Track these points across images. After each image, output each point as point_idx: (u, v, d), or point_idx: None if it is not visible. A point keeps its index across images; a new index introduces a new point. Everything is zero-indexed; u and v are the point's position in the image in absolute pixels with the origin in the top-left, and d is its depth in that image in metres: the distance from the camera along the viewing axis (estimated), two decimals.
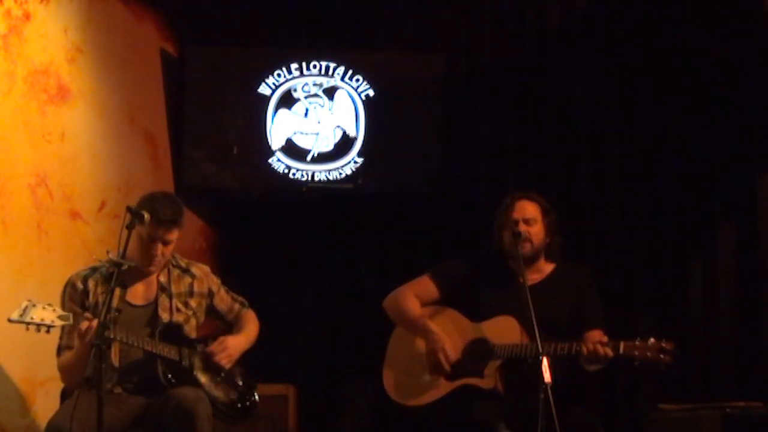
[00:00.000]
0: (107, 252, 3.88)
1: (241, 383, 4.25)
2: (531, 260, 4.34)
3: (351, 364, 5.75)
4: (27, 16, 4.63)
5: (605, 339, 4.09)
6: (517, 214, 4.35)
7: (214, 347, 4.15)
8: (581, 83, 5.70)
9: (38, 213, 4.62)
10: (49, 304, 3.74)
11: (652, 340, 4.02)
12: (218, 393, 4.13)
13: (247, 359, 4.31)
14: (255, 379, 4.32)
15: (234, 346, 4.21)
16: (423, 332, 4.38)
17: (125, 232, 3.75)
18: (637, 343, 4.03)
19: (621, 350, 4.04)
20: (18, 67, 4.57)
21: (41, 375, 4.48)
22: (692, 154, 5.49)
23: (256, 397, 4.28)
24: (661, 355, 4.01)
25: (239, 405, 4.22)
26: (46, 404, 4.38)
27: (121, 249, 3.75)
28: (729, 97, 5.43)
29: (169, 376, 4.00)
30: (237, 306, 4.39)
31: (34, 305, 3.69)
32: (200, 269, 4.29)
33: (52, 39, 4.79)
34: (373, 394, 4.53)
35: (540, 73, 5.78)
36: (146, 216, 3.81)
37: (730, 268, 5.36)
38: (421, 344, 4.40)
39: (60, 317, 3.73)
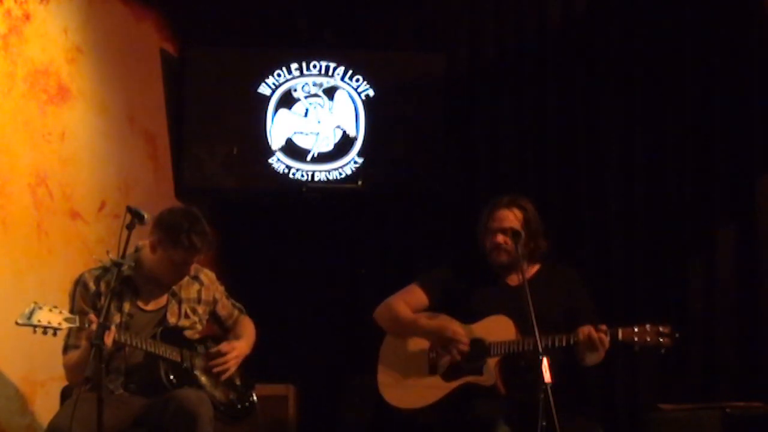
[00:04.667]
0: (107, 252, 3.87)
1: (239, 384, 4.26)
2: (509, 267, 4.33)
3: (351, 364, 5.74)
4: (27, 16, 4.63)
5: (603, 328, 4.10)
6: (495, 224, 4.33)
7: (215, 360, 4.16)
8: (581, 83, 5.70)
9: (38, 213, 4.62)
10: (55, 307, 3.70)
11: (649, 325, 4.06)
12: (218, 394, 4.15)
13: (247, 359, 4.30)
14: (254, 380, 4.33)
15: (237, 356, 4.22)
16: (423, 330, 4.36)
17: (125, 232, 3.75)
18: (635, 329, 4.07)
19: (620, 337, 4.07)
20: (18, 67, 4.56)
21: (41, 375, 4.47)
22: (692, 154, 5.50)
23: (255, 397, 4.29)
24: (660, 339, 4.05)
25: (239, 406, 4.23)
26: (46, 404, 4.38)
27: (122, 249, 3.74)
28: (729, 97, 5.44)
29: (171, 377, 4.01)
30: (236, 312, 4.41)
31: (40, 308, 3.65)
32: (207, 276, 4.30)
33: (52, 39, 4.78)
34: (372, 394, 4.52)
35: (540, 73, 5.78)
36: (146, 216, 3.80)
37: (730, 268, 5.37)
38: (415, 347, 4.38)
39: (66, 320, 3.69)
